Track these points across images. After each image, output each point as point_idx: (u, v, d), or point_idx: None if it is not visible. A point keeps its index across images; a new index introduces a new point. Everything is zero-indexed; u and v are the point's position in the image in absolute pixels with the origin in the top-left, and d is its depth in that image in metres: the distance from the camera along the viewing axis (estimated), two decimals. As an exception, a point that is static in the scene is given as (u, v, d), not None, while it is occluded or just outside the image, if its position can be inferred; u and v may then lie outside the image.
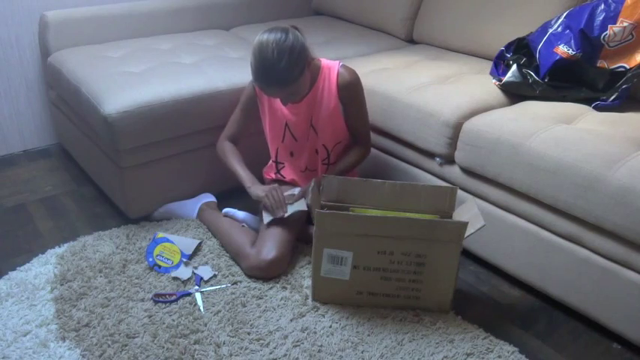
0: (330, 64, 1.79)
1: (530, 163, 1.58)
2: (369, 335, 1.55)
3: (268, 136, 1.91)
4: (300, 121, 1.82)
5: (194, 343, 1.50)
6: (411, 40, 2.68)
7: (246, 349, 1.49)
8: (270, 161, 1.97)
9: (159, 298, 1.65)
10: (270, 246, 1.73)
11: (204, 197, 2.10)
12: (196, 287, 1.71)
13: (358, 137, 1.90)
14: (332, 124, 1.82)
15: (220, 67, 2.15)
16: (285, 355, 1.48)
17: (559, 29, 1.90)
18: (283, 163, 1.94)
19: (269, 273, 1.74)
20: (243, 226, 1.93)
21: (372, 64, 2.22)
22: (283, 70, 1.58)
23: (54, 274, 1.75)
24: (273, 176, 1.97)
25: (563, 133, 1.61)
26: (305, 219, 1.91)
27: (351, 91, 1.78)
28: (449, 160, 1.85)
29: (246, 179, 1.85)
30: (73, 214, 2.13)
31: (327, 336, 1.54)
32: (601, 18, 1.81)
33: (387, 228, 1.53)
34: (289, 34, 1.61)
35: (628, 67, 1.80)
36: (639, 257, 1.44)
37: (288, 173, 1.94)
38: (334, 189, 1.75)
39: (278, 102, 1.82)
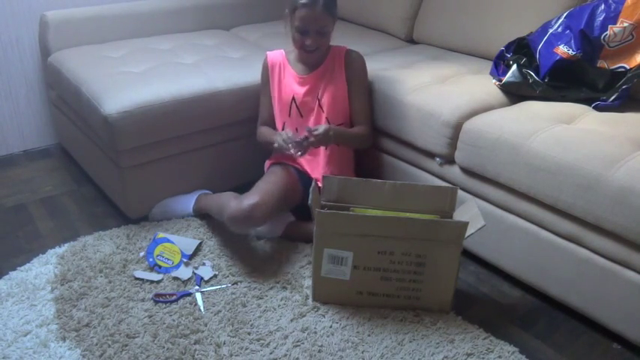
0: (339, 46, 1.92)
1: (530, 163, 1.58)
2: (369, 335, 1.55)
3: (276, 109, 1.97)
4: (307, 93, 1.90)
5: (194, 343, 1.50)
6: (411, 40, 2.67)
7: (246, 349, 1.50)
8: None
9: (159, 298, 1.65)
10: (254, 193, 1.77)
11: (199, 192, 2.10)
12: (196, 287, 1.71)
13: (360, 118, 1.96)
14: (337, 102, 1.90)
15: (220, 67, 2.15)
16: (285, 355, 1.48)
17: (559, 29, 1.90)
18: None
19: (250, 220, 1.74)
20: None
21: (372, 64, 2.21)
22: None
23: (54, 274, 1.75)
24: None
25: (563, 133, 1.61)
26: (295, 202, 1.94)
27: (356, 69, 1.91)
28: (449, 160, 1.85)
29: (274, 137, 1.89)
30: (73, 214, 2.13)
31: (328, 336, 1.54)
32: (601, 18, 1.81)
33: (387, 228, 1.53)
34: None
35: (628, 67, 1.80)
36: (639, 257, 1.44)
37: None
38: (334, 189, 1.75)
39: (288, 76, 1.91)
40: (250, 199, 1.75)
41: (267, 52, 1.98)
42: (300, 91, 1.91)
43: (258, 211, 1.74)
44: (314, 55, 1.87)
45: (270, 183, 1.84)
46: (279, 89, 1.94)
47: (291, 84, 1.92)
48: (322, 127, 1.80)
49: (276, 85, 1.95)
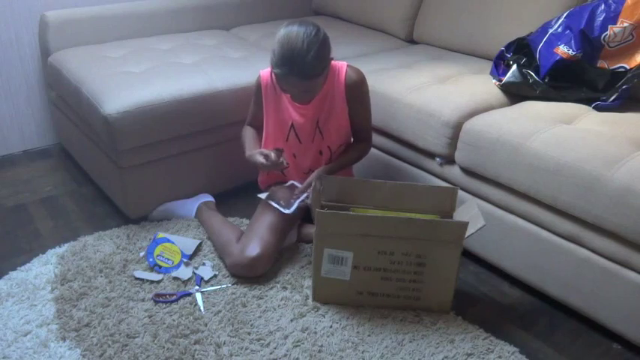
0: (338, 64, 1.79)
1: (531, 163, 1.58)
2: (369, 335, 1.55)
3: (271, 135, 1.88)
4: (306, 122, 1.81)
5: (194, 343, 1.50)
6: (411, 40, 2.68)
7: (246, 349, 1.50)
8: None
9: (159, 298, 1.65)
10: (255, 243, 1.72)
11: (202, 197, 2.10)
12: (197, 287, 1.71)
13: (361, 135, 1.90)
14: (338, 125, 1.82)
15: (220, 67, 2.15)
16: (285, 355, 1.48)
17: (559, 29, 1.90)
18: (287, 163, 1.93)
19: (252, 271, 1.72)
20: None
21: (372, 64, 2.22)
22: (310, 63, 1.56)
23: (54, 274, 1.75)
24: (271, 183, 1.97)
25: (563, 133, 1.61)
26: (299, 216, 1.91)
27: (358, 90, 1.78)
28: (449, 160, 1.85)
29: (247, 149, 1.82)
30: (73, 214, 2.12)
31: (328, 336, 1.54)
32: (601, 18, 1.82)
33: (387, 228, 1.53)
34: (320, 30, 1.60)
35: (628, 67, 1.80)
36: (639, 257, 1.44)
37: (291, 174, 1.94)
38: (335, 189, 1.75)
39: (285, 101, 1.81)
40: (252, 249, 1.71)
41: (261, 72, 1.83)
42: (299, 119, 1.80)
43: (260, 263, 1.72)
44: (307, 101, 1.75)
45: (270, 226, 1.76)
46: (276, 113, 1.83)
47: (290, 110, 1.80)
48: (312, 181, 1.74)
49: (272, 109, 1.83)
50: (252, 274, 1.73)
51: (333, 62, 1.77)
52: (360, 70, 1.80)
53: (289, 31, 1.57)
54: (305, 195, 1.78)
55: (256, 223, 1.79)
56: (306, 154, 1.88)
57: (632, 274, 1.47)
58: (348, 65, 1.79)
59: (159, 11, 2.58)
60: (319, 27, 1.61)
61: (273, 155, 1.70)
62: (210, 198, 2.12)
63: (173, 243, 1.84)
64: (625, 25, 1.78)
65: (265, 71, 1.82)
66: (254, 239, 1.73)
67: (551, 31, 1.92)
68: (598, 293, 1.54)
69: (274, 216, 1.79)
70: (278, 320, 1.59)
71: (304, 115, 1.80)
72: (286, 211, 1.76)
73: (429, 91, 1.93)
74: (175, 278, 1.74)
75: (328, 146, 1.85)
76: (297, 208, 1.78)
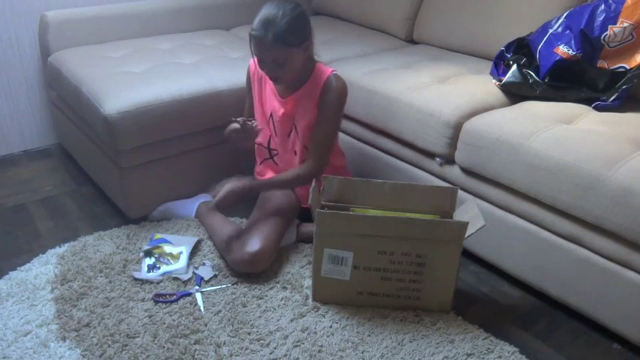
0: (324, 68, 1.78)
1: (531, 163, 1.58)
2: (369, 335, 1.55)
3: (258, 121, 1.88)
4: (284, 114, 1.82)
5: (194, 343, 1.50)
6: (411, 40, 2.68)
7: (246, 349, 1.50)
8: (263, 147, 1.96)
9: (159, 298, 1.65)
10: (255, 239, 1.73)
11: (202, 197, 2.11)
12: (197, 287, 1.71)
13: (312, 150, 1.80)
14: (310, 127, 1.81)
15: (220, 67, 2.15)
16: (285, 355, 1.48)
17: (559, 29, 1.90)
18: (276, 150, 1.94)
19: (253, 266, 1.73)
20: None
21: (372, 64, 2.22)
22: (283, 27, 1.60)
23: (54, 274, 1.75)
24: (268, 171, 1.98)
25: (563, 133, 1.61)
26: (297, 214, 1.91)
27: (329, 97, 1.74)
28: (449, 160, 1.85)
29: None
30: (73, 214, 2.12)
31: (328, 336, 1.54)
32: (601, 18, 1.82)
33: (387, 228, 1.53)
34: (299, 5, 1.66)
35: (628, 67, 1.80)
36: (639, 257, 1.44)
37: (282, 161, 1.94)
38: (334, 189, 1.75)
39: (269, 90, 1.82)
40: (253, 244, 1.71)
41: (251, 61, 1.88)
42: (278, 110, 1.82)
43: (261, 258, 1.72)
44: (278, 84, 1.77)
45: (269, 222, 1.78)
46: (261, 101, 1.88)
47: (272, 99, 1.83)
48: (225, 189, 1.73)
49: (257, 96, 1.88)
50: (254, 269, 1.73)
51: (321, 65, 1.79)
52: (344, 82, 1.76)
53: (269, 4, 1.65)
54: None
55: (256, 219, 1.81)
56: (283, 149, 1.89)
57: (632, 274, 1.47)
58: (334, 72, 1.77)
59: (159, 11, 2.58)
60: (300, 4, 1.66)
61: (239, 119, 1.72)
62: (209, 198, 2.12)
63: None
64: (625, 25, 1.78)
65: (253, 60, 1.85)
66: (254, 235, 1.74)
67: (551, 31, 1.92)
68: (598, 293, 1.54)
69: (274, 212, 1.81)
70: (278, 320, 1.59)
71: (284, 106, 1.81)
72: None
73: (429, 91, 1.93)
74: (175, 278, 1.74)
75: (305, 146, 1.84)
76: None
